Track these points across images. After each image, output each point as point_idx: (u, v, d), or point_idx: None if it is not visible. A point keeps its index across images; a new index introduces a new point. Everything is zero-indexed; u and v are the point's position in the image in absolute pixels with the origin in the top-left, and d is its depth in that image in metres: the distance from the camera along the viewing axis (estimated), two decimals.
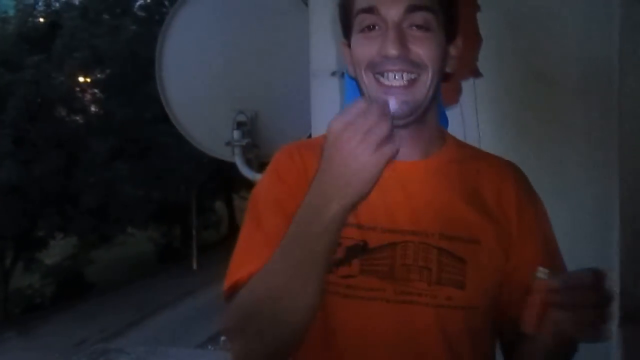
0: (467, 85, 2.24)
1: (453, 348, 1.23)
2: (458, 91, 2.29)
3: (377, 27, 1.20)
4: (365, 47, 1.21)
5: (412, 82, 1.20)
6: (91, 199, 19.97)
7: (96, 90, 23.07)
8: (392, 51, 1.16)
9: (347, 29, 1.28)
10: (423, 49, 1.18)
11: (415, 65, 1.19)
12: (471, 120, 2.19)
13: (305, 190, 1.17)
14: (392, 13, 1.17)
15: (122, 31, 21.67)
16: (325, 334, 1.23)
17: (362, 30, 1.21)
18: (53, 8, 23.20)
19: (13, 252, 21.75)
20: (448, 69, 1.27)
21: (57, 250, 22.44)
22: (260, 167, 3.30)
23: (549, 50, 2.23)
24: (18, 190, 19.85)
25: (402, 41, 1.17)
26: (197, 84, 3.32)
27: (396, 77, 1.19)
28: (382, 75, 1.20)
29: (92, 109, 23.20)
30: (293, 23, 3.09)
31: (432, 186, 1.27)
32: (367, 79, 1.23)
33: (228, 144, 3.19)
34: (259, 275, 1.15)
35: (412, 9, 1.18)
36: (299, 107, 3.01)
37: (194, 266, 23.32)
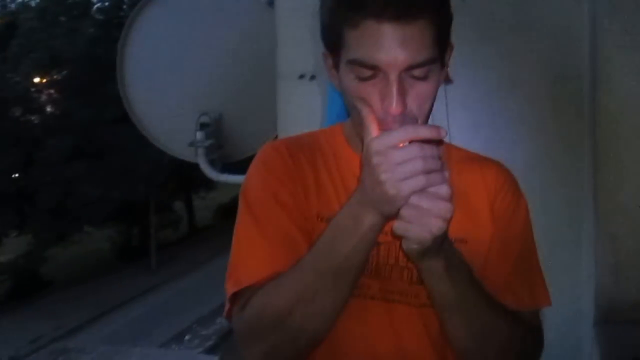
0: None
1: (436, 346, 1.23)
2: None
3: (376, 77, 1.11)
4: (365, 95, 1.13)
5: None
6: (48, 198, 19.69)
7: (53, 91, 22.69)
8: (396, 110, 1.09)
9: (332, 47, 1.19)
10: (416, 103, 1.12)
11: (410, 119, 1.11)
12: (442, 124, 2.12)
13: (296, 183, 1.21)
14: (392, 71, 1.09)
15: (80, 33, 21.38)
16: None
17: (358, 78, 1.13)
18: (9, 9, 22.78)
19: None
20: (440, 84, 1.22)
21: (11, 248, 22.02)
22: (224, 167, 3.21)
23: (520, 58, 2.20)
24: None
25: (403, 97, 1.10)
26: (160, 85, 3.21)
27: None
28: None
29: (49, 109, 22.84)
30: (258, 25, 3.01)
31: None
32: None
33: (191, 144, 3.09)
34: (285, 282, 1.13)
35: (413, 67, 1.10)
36: (264, 109, 2.93)
37: (153, 265, 23.09)
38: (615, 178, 1.84)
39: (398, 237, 1.07)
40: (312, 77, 2.41)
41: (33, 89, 22.38)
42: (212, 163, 3.14)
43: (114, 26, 22.06)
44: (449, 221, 1.01)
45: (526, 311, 1.26)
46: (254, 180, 1.26)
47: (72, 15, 22.60)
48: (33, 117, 22.42)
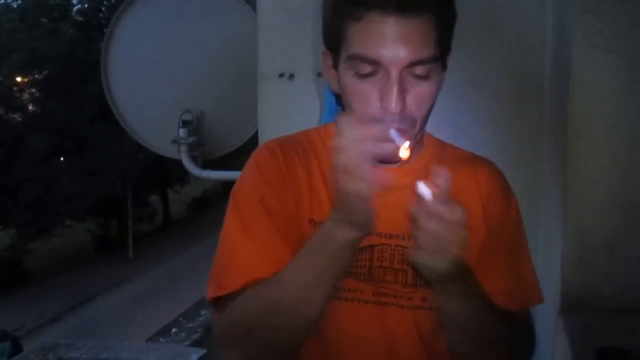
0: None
1: (429, 348, 1.18)
2: None
3: (376, 74, 1.06)
4: (363, 93, 1.07)
5: (402, 133, 1.07)
6: (29, 193, 19.45)
7: (34, 90, 22.35)
8: (396, 109, 1.04)
9: (332, 44, 1.12)
10: (416, 103, 1.07)
11: (410, 119, 1.08)
12: None
13: (287, 188, 1.15)
14: (393, 68, 1.04)
15: (60, 34, 21.09)
16: (313, 333, 1.14)
17: (357, 75, 1.07)
18: None
19: None
20: (441, 86, 1.16)
21: None
22: (205, 164, 3.18)
23: (486, 58, 2.20)
24: None
25: (404, 96, 1.05)
26: (143, 83, 3.16)
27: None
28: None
29: (31, 107, 22.49)
30: (240, 25, 2.98)
31: (408, 191, 1.13)
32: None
33: (174, 141, 3.05)
34: (259, 293, 1.09)
35: (413, 64, 1.05)
36: (244, 107, 2.91)
37: (130, 255, 22.90)
38: (583, 174, 1.85)
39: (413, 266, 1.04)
40: (291, 76, 2.39)
41: (15, 88, 22.03)
42: (194, 159, 3.11)
43: (93, 28, 21.85)
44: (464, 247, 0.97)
45: (518, 311, 1.22)
46: (245, 182, 1.19)
47: (53, 17, 22.28)
48: (15, 116, 22.08)
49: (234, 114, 3.11)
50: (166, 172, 23.23)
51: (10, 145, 19.83)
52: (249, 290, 1.10)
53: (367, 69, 1.05)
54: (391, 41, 1.03)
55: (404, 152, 1.02)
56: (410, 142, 1.04)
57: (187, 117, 3.05)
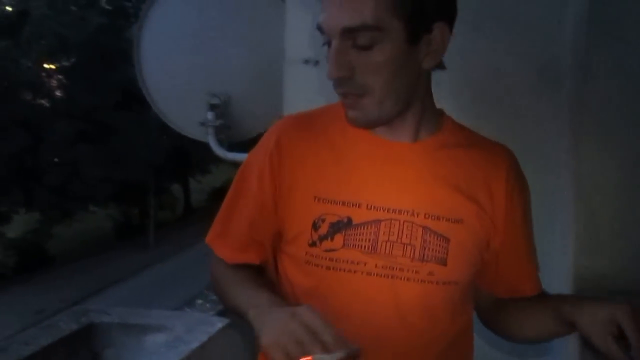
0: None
1: (433, 319, 1.22)
2: None
3: (330, 43, 1.11)
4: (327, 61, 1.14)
5: (357, 102, 1.13)
6: (54, 178, 19.65)
7: (61, 77, 22.58)
8: (331, 75, 1.09)
9: None
10: (365, 73, 1.09)
11: (360, 87, 1.11)
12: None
13: (281, 171, 1.22)
14: (333, 35, 1.08)
15: (87, 22, 21.28)
16: (316, 303, 1.16)
17: (325, 45, 1.13)
18: None
19: None
20: (427, 64, 1.15)
21: (19, 225, 21.95)
22: (231, 147, 3.26)
23: (505, 49, 2.24)
24: None
25: (341, 64, 1.08)
26: (173, 68, 3.23)
27: (343, 96, 1.14)
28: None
29: (58, 93, 22.74)
30: (268, 12, 3.04)
31: (419, 168, 1.21)
32: None
33: (202, 124, 3.14)
34: (225, 283, 1.26)
35: (349, 31, 1.07)
36: (270, 92, 2.96)
37: (151, 242, 23.10)
38: (597, 161, 1.91)
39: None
40: (316, 63, 2.46)
41: (43, 74, 22.28)
42: (220, 142, 3.18)
43: (120, 16, 22.01)
44: None
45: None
46: (255, 153, 1.29)
47: (81, 4, 22.49)
48: (42, 101, 22.33)
49: (260, 99, 3.17)
50: (188, 162, 23.40)
51: (37, 130, 20.07)
52: (223, 270, 1.28)
53: (324, 38, 1.11)
54: (328, 9, 1.08)
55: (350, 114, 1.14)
56: (368, 112, 1.12)
57: (215, 100, 3.12)
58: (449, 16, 1.15)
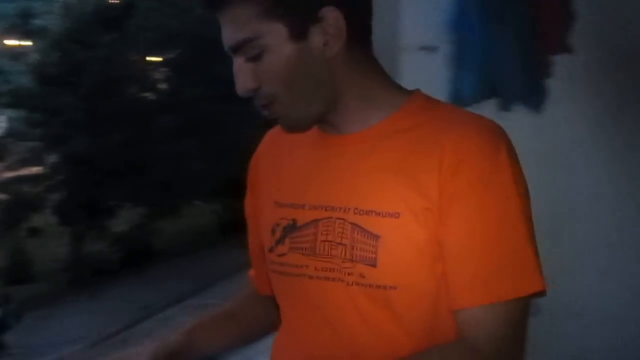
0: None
1: (373, 329, 1.12)
2: (548, 65, 2.26)
3: None
4: None
5: (273, 110, 1.14)
6: (159, 172, 20.34)
7: (166, 69, 23.40)
8: (238, 92, 1.14)
9: None
10: (267, 82, 1.11)
11: (269, 96, 1.13)
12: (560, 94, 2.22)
13: (257, 180, 1.34)
14: (230, 53, 1.14)
15: (191, 14, 21.92)
16: (284, 311, 1.28)
17: None
18: None
19: (85, 219, 22.35)
20: (329, 52, 1.11)
21: (125, 220, 22.95)
22: None
23: (631, 29, 2.15)
24: (91, 162, 20.32)
25: (244, 79, 1.12)
26: None
27: (262, 108, 1.16)
28: None
29: (162, 86, 23.56)
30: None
31: (356, 160, 1.15)
32: None
33: None
34: None
35: (235, 49, 1.12)
36: None
37: None
38: None
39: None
40: (434, 49, 2.40)
41: (148, 67, 23.17)
42: None
43: None
44: None
45: (482, 306, 1.06)
46: None
47: None
48: (147, 94, 23.22)
49: None
50: None
51: (142, 123, 20.87)
52: None
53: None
54: (222, 28, 1.14)
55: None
56: (286, 117, 1.14)
57: None
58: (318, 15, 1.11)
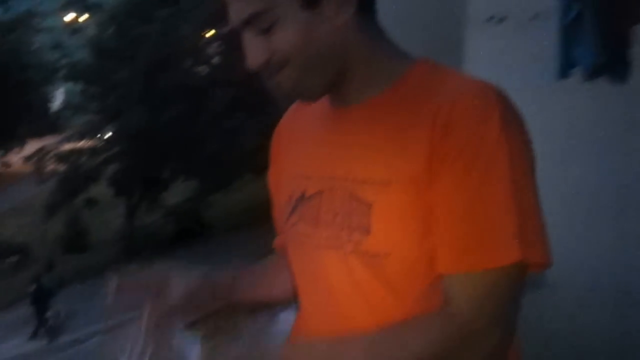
0: None
1: (368, 297, 1.16)
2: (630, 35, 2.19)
3: None
4: None
5: (279, 72, 1.17)
6: (212, 146, 20.55)
7: (220, 43, 23.53)
8: (251, 66, 1.17)
9: None
10: (279, 53, 1.14)
11: (280, 62, 1.15)
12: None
13: (279, 157, 1.41)
14: (238, 28, 1.16)
15: None
16: (296, 279, 1.33)
17: None
18: None
19: (139, 191, 22.78)
20: (340, 19, 1.13)
21: (178, 192, 23.27)
22: None
23: None
24: (146, 135, 20.64)
25: (256, 53, 1.15)
26: None
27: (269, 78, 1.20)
28: None
29: (215, 60, 23.71)
30: None
31: (356, 130, 1.20)
32: None
33: None
34: None
35: (247, 22, 1.14)
36: (446, 54, 2.90)
37: None
38: None
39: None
40: (501, 20, 2.37)
41: (201, 41, 23.32)
42: None
43: None
44: None
45: (468, 273, 1.07)
46: None
47: None
48: (200, 69, 23.40)
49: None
50: None
51: (196, 98, 21.08)
52: None
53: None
54: (228, 3, 1.15)
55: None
56: (291, 79, 1.15)
57: None
58: None
